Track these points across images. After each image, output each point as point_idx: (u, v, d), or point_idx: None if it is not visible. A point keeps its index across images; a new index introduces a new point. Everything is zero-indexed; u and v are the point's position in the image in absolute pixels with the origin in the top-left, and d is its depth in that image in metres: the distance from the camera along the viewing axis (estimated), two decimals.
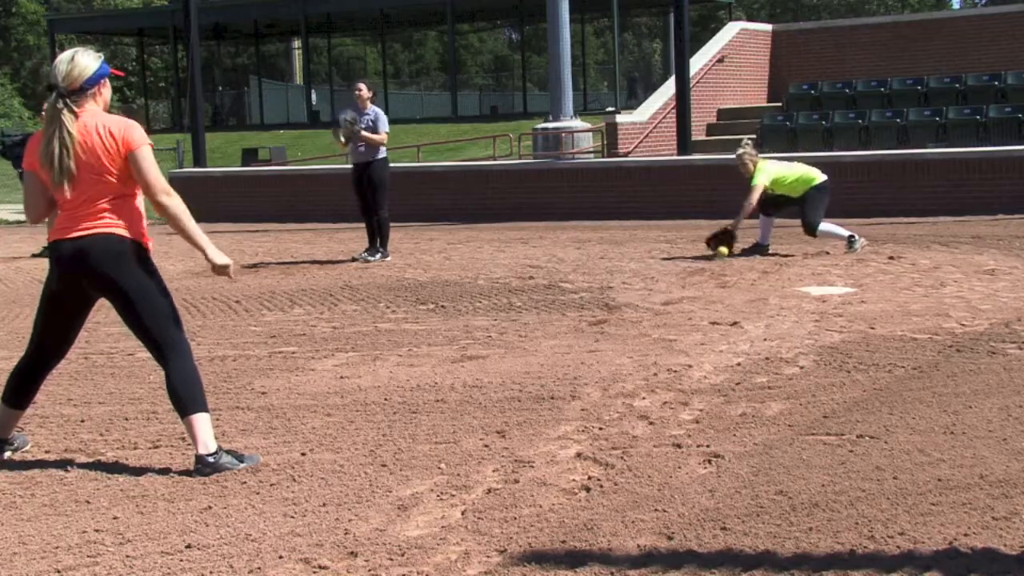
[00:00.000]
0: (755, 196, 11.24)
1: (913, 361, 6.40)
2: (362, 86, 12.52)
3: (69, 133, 4.59)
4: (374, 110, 12.25)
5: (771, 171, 11.44)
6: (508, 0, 37.51)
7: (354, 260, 12.46)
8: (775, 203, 11.54)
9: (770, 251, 11.48)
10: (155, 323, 4.72)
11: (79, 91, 4.66)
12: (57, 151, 4.58)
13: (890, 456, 4.66)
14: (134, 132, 4.67)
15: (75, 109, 4.63)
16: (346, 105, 12.77)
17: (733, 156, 11.90)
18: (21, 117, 47.79)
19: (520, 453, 4.86)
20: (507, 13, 41.89)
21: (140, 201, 4.78)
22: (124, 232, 4.67)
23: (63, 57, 4.71)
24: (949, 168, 15.39)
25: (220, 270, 4.83)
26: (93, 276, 4.68)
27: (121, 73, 5.24)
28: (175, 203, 4.70)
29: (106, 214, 4.65)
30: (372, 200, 12.36)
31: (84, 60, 4.69)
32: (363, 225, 12.70)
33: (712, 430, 5.14)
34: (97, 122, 4.65)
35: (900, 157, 15.98)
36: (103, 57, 4.80)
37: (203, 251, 4.77)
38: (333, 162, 20.90)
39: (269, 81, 45.53)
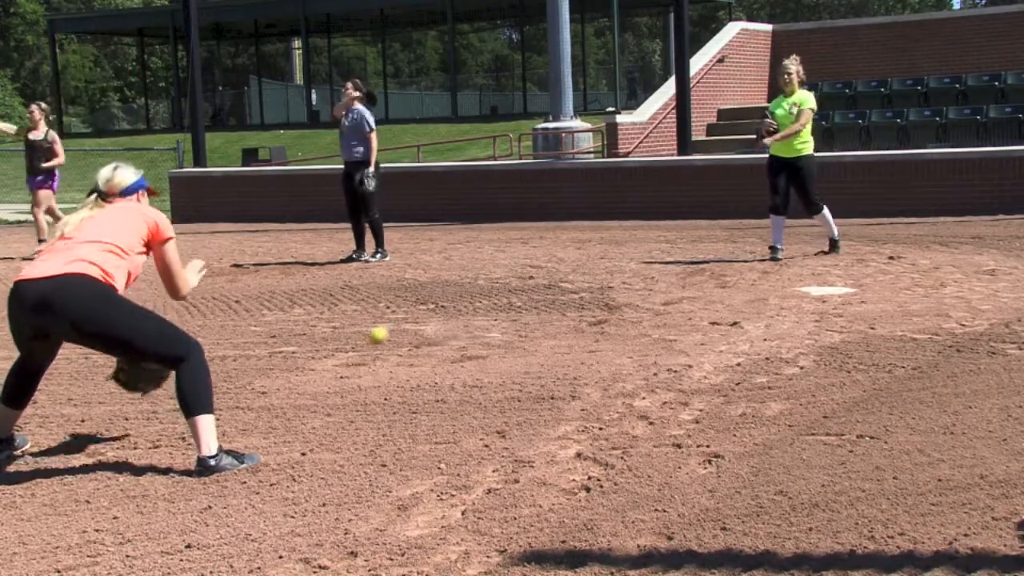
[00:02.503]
0: (805, 120, 10.82)
1: (913, 361, 6.40)
2: (348, 85, 12.53)
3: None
4: (358, 109, 12.21)
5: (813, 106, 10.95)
6: (508, 0, 37.51)
7: (343, 262, 12.38)
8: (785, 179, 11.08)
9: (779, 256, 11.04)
10: (160, 347, 4.77)
11: (116, 197, 5.09)
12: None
13: (890, 456, 4.66)
14: (165, 223, 5.03)
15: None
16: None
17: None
18: (21, 117, 47.80)
19: (520, 453, 4.86)
20: (507, 13, 41.92)
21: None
22: (97, 274, 4.77)
23: (106, 168, 5.17)
24: (949, 168, 15.38)
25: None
26: (75, 327, 4.69)
27: (156, 194, 5.46)
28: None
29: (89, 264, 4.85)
30: (361, 202, 12.33)
31: (123, 173, 5.12)
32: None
33: (712, 430, 5.14)
34: (131, 204, 5.10)
35: (900, 157, 15.97)
36: (142, 173, 5.25)
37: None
38: (333, 162, 20.88)
39: (269, 81, 45.56)
